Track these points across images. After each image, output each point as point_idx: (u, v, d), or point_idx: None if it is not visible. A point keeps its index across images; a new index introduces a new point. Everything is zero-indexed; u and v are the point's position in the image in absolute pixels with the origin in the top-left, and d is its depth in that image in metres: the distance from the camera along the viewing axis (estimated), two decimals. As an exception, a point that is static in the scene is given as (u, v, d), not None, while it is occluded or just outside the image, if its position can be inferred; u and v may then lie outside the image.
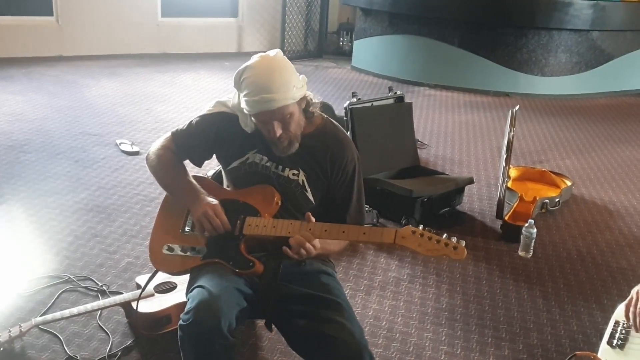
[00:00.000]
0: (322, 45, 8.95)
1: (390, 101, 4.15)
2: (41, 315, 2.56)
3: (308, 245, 1.76)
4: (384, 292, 2.94)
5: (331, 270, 2.02)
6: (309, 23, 8.74)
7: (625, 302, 1.71)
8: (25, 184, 3.87)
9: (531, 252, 3.39)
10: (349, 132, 3.83)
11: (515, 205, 3.80)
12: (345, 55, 8.74)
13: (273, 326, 1.98)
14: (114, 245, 3.21)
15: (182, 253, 1.91)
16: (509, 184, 4.11)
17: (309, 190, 1.93)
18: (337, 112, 4.84)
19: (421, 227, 1.73)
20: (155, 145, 2.04)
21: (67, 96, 5.89)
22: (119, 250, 3.15)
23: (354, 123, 3.78)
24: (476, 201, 4.08)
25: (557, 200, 3.98)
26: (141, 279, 2.62)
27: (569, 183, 4.26)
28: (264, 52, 1.88)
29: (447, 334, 2.66)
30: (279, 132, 1.79)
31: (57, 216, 3.48)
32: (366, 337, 2.51)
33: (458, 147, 5.24)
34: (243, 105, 1.80)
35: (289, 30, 8.36)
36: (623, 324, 1.80)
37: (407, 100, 4.36)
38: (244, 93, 1.77)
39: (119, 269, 2.99)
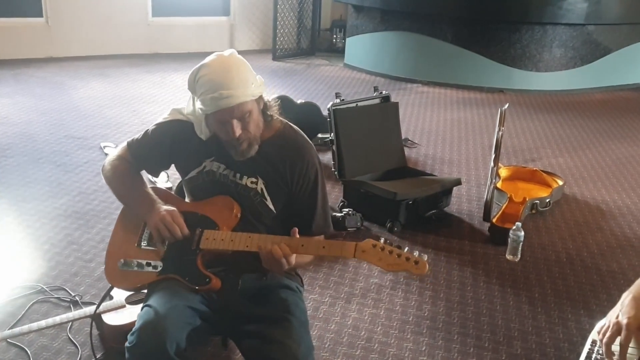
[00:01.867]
0: (314, 42, 8.86)
1: (376, 101, 4.07)
2: (10, 328, 2.50)
3: (283, 260, 1.69)
4: (364, 300, 2.86)
5: (295, 284, 1.94)
6: (301, 20, 8.65)
7: (602, 322, 1.63)
8: (4, 189, 3.81)
9: (519, 256, 3.31)
10: (332, 134, 3.75)
11: (504, 207, 3.72)
12: (338, 52, 8.65)
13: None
14: (90, 252, 3.14)
15: (137, 269, 1.83)
16: (499, 184, 4.03)
17: (268, 198, 1.85)
18: (324, 113, 4.77)
19: (382, 240, 1.66)
20: (111, 155, 1.97)
21: (54, 98, 5.82)
22: (95, 258, 3.08)
23: (337, 124, 3.70)
24: (465, 202, 4.00)
25: (547, 200, 3.90)
26: (115, 290, 2.55)
27: (560, 182, 4.18)
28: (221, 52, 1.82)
29: (428, 344, 2.58)
30: (238, 131, 1.72)
31: (34, 223, 3.41)
32: (343, 349, 2.49)
33: (449, 146, 5.15)
34: (199, 105, 1.73)
35: (281, 28, 8.27)
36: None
37: (398, 99, 4.29)
38: (201, 92, 1.70)
39: (93, 277, 2.91)
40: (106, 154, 4.42)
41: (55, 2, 7.31)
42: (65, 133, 4.88)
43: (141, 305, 1.86)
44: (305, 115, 4.64)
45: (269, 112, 1.84)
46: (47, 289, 2.80)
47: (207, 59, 1.75)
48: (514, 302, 2.94)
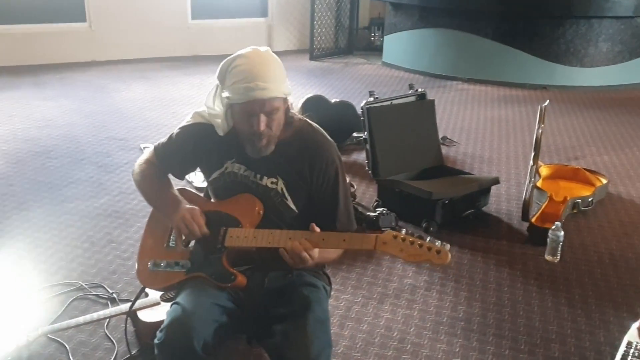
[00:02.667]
0: (352, 41, 8.83)
1: (412, 99, 4.02)
2: (50, 324, 2.57)
3: (304, 254, 1.68)
4: (398, 301, 2.84)
5: (322, 283, 1.93)
6: (339, 19, 8.64)
7: (637, 323, 1.57)
8: (48, 190, 3.92)
9: (558, 256, 3.22)
10: (365, 133, 3.73)
11: (543, 206, 3.62)
12: (377, 50, 8.60)
13: None
14: (129, 251, 3.21)
15: (166, 269, 1.86)
16: (539, 183, 3.93)
17: (289, 198, 1.85)
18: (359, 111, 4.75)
19: (404, 231, 1.63)
20: (139, 159, 2.02)
21: (97, 101, 5.96)
22: (133, 256, 3.14)
23: (370, 123, 3.68)
24: (504, 202, 3.92)
25: (590, 199, 3.79)
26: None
27: (604, 181, 4.05)
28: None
29: (462, 345, 2.53)
30: (263, 126, 1.71)
31: (75, 222, 3.50)
32: (375, 349, 2.47)
33: (489, 145, 5.06)
34: (228, 94, 1.71)
35: (319, 28, 8.27)
36: (636, 345, 1.66)
37: (438, 95, 4.26)
38: (234, 81, 1.69)
39: (131, 275, 2.97)
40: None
41: (98, 7, 7.50)
42: (107, 134, 5.00)
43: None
44: (340, 115, 4.63)
45: (290, 112, 1.83)
46: (86, 286, 2.87)
47: (243, 50, 1.75)
48: (553, 303, 2.86)
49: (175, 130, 1.97)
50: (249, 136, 1.76)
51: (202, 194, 2.10)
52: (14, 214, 3.57)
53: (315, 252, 1.70)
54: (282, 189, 1.84)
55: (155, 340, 1.69)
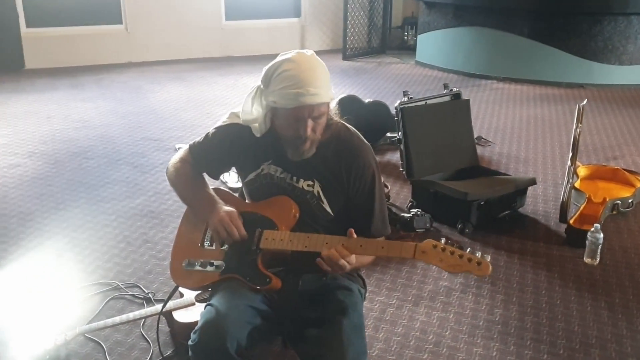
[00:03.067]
0: (385, 41, 8.79)
1: (446, 99, 3.97)
2: (87, 323, 2.61)
3: (342, 261, 1.67)
4: (433, 303, 2.80)
5: (357, 286, 1.91)
6: (372, 19, 8.60)
7: None
8: (85, 190, 3.99)
9: (598, 259, 3.14)
10: (399, 133, 3.70)
11: (582, 207, 3.54)
12: (410, 50, 8.54)
13: None
14: (164, 251, 3.24)
15: (201, 268, 1.87)
16: (577, 184, 3.84)
17: (325, 201, 1.84)
18: (393, 111, 4.72)
19: (443, 240, 1.62)
20: (174, 158, 2.02)
21: (133, 102, 6.05)
22: (168, 256, 3.10)
23: (404, 123, 3.65)
24: (541, 203, 3.85)
25: (630, 201, 3.69)
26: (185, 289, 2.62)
27: (645, 182, 3.94)
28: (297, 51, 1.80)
29: (499, 349, 2.49)
30: (309, 131, 1.72)
31: (112, 222, 3.55)
32: (410, 353, 2.44)
33: (525, 144, 4.97)
34: (273, 99, 1.71)
35: (352, 27, 8.25)
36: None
37: (472, 96, 4.18)
38: (282, 86, 1.68)
39: (166, 275, 3.00)
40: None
41: (134, 10, 7.61)
42: (142, 135, 5.07)
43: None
44: (373, 115, 4.61)
45: (331, 115, 1.82)
46: (122, 286, 2.91)
47: (289, 54, 1.73)
48: (592, 307, 2.79)
49: (212, 129, 1.97)
50: (293, 140, 1.76)
51: (236, 194, 2.10)
52: (52, 213, 3.64)
53: (353, 258, 1.69)
54: (318, 192, 1.83)
55: (189, 342, 1.69)
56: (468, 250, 1.59)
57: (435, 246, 1.60)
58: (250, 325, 1.71)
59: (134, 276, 3.00)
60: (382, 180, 3.57)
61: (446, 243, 1.61)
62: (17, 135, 5.00)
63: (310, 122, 1.72)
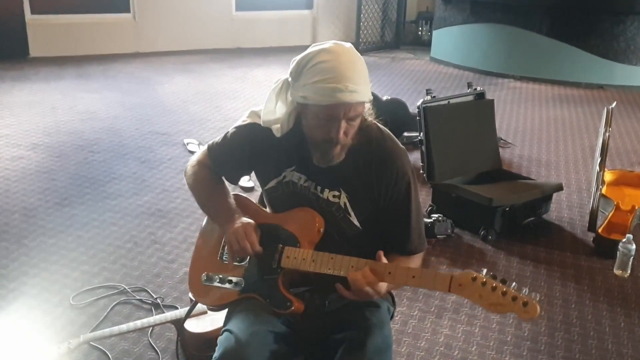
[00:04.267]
0: (399, 35, 8.61)
1: (469, 98, 3.81)
2: (92, 330, 2.47)
3: (367, 288, 1.49)
4: (457, 315, 2.65)
5: (387, 304, 1.73)
6: (386, 13, 8.42)
7: None
8: (90, 185, 3.84)
9: (629, 271, 2.99)
10: (421, 134, 3.53)
11: (610, 216, 3.38)
12: (424, 45, 8.36)
13: None
14: (173, 253, 3.09)
15: (219, 285, 1.70)
16: (603, 190, 3.68)
17: (352, 214, 1.63)
18: (411, 110, 4.56)
19: (484, 271, 1.41)
20: (192, 159, 1.83)
21: (140, 94, 5.89)
22: (177, 259, 3.03)
23: (427, 123, 3.48)
24: (565, 209, 3.69)
25: (660, 209, 3.52)
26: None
27: (674, 189, 3.78)
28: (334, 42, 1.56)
29: (529, 369, 2.34)
30: (342, 133, 1.51)
31: (118, 220, 3.40)
32: (434, 369, 2.29)
33: (546, 147, 4.81)
34: (307, 93, 1.49)
35: (365, 21, 8.07)
36: None
37: (489, 94, 3.99)
38: (317, 79, 1.46)
39: (175, 279, 2.85)
40: (189, 151, 4.40)
41: (143, -2, 7.45)
42: (150, 129, 4.91)
43: (222, 313, 1.74)
44: (391, 113, 4.43)
45: (363, 117, 1.59)
46: (129, 290, 2.76)
47: (326, 44, 1.51)
48: (626, 323, 2.64)
49: (231, 129, 1.77)
50: (321, 143, 1.56)
51: (252, 198, 1.92)
52: (56, 210, 3.49)
53: (381, 286, 1.51)
54: (344, 204, 1.63)
55: None
56: (514, 286, 1.37)
57: (474, 279, 1.39)
58: (271, 352, 1.55)
59: (142, 279, 2.85)
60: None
61: (487, 275, 1.39)
62: (21, 126, 4.85)
63: (343, 124, 1.51)
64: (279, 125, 1.62)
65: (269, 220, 1.71)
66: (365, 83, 1.49)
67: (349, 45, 1.55)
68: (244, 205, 1.76)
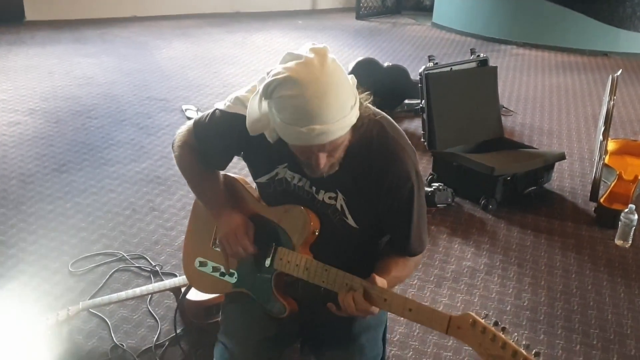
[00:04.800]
0: (400, 0, 8.45)
1: (472, 65, 3.75)
2: (91, 298, 2.46)
3: (357, 313, 1.41)
4: (456, 285, 2.64)
5: None
6: (387, -23, 8.26)
7: None
8: (88, 151, 3.80)
9: (630, 241, 2.98)
10: (423, 101, 3.48)
11: (612, 185, 3.35)
12: (425, 10, 8.22)
13: None
14: (172, 220, 3.07)
15: (213, 274, 1.67)
16: (606, 160, 3.64)
17: (349, 217, 1.52)
18: (412, 76, 4.49)
19: (483, 314, 1.31)
20: (178, 134, 1.67)
21: (138, 59, 5.80)
22: (176, 226, 3.01)
23: (429, 90, 3.43)
24: (567, 178, 3.66)
25: (662, 179, 3.49)
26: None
27: (678, 158, 3.74)
28: (310, 50, 1.31)
29: (528, 338, 2.34)
30: (323, 163, 1.37)
31: (117, 187, 3.38)
32: (434, 339, 2.29)
33: (548, 115, 4.75)
34: (277, 125, 1.34)
35: (366, -15, 7.92)
36: None
37: (492, 61, 3.93)
38: (282, 117, 1.31)
39: (174, 247, 2.84)
40: (187, 117, 4.35)
41: (140, -40, 7.28)
42: (148, 94, 4.85)
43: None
44: (392, 80, 4.38)
45: (360, 115, 1.39)
46: (128, 257, 2.75)
47: (293, 67, 1.27)
48: (626, 294, 2.64)
49: (218, 110, 1.57)
50: (305, 165, 1.44)
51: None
52: (54, 176, 3.46)
53: (373, 309, 1.41)
54: (341, 206, 1.52)
55: None
56: (514, 337, 1.25)
57: (474, 324, 1.27)
58: (267, 358, 1.56)
59: (140, 247, 2.84)
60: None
61: (488, 322, 1.28)
62: (17, 91, 4.78)
63: (322, 155, 1.36)
64: (268, 132, 1.45)
65: (263, 212, 1.61)
66: (337, 117, 1.29)
67: (323, 58, 1.29)
68: (235, 192, 1.66)
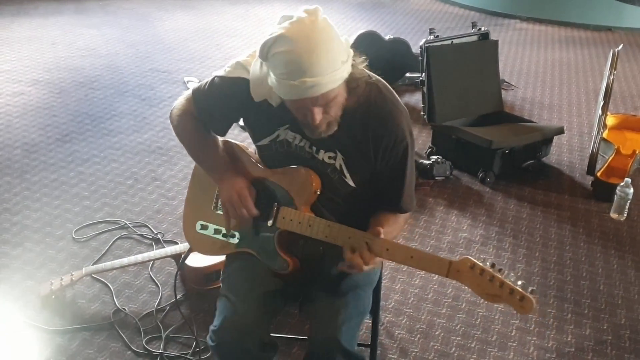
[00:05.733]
0: (405, -27, 8.38)
1: (473, 38, 3.75)
2: (94, 263, 2.52)
3: (364, 267, 1.47)
4: (452, 255, 2.70)
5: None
6: (392, -51, 8.16)
7: None
8: (91, 122, 3.84)
9: (625, 214, 3.02)
10: (423, 74, 3.50)
11: (610, 159, 3.38)
12: (430, -16, 8.14)
13: None
14: (173, 190, 3.12)
15: (215, 236, 1.71)
16: (605, 134, 3.66)
17: (347, 175, 1.59)
18: (414, 50, 4.49)
19: (484, 260, 1.40)
20: (177, 104, 1.70)
21: (140, 30, 5.80)
22: (177, 195, 3.06)
23: (429, 63, 3.44)
24: (566, 152, 3.69)
25: (660, 154, 3.52)
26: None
27: (677, 134, 3.76)
28: (303, 11, 1.38)
29: (521, 307, 2.39)
30: (318, 118, 1.44)
31: (119, 157, 3.42)
32: (428, 306, 2.35)
33: (549, 90, 4.76)
34: (273, 83, 1.42)
35: (371, -42, 7.84)
36: None
37: (493, 36, 3.93)
38: (277, 72, 1.39)
39: (175, 215, 2.89)
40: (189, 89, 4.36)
41: None
42: (150, 66, 4.86)
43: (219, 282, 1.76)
44: (394, 53, 4.38)
45: (353, 76, 1.46)
46: (130, 225, 2.80)
47: (286, 26, 1.36)
48: (619, 265, 2.69)
49: (217, 76, 1.61)
50: (303, 124, 1.51)
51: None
52: (58, 146, 3.51)
53: (376, 261, 1.49)
54: (340, 165, 1.58)
55: (209, 341, 1.57)
56: (511, 277, 1.35)
57: (472, 267, 1.38)
58: (270, 314, 1.61)
59: (142, 215, 2.90)
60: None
61: (486, 264, 1.38)
62: (21, 62, 4.80)
63: (317, 110, 1.42)
64: (272, 93, 1.50)
65: (264, 174, 1.66)
66: (329, 68, 1.36)
67: (313, 17, 1.37)
68: (235, 157, 1.70)
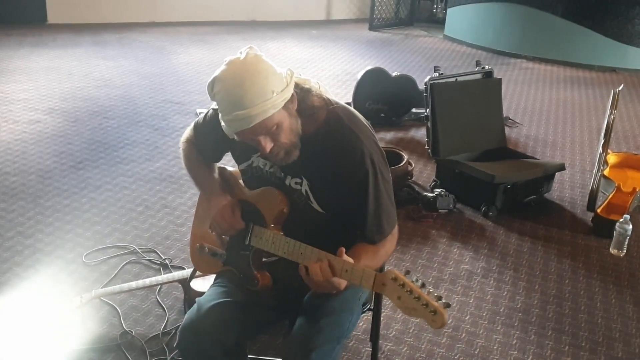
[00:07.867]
0: (414, 12, 8.59)
1: (478, 76, 3.86)
2: (103, 287, 2.59)
3: (325, 283, 1.50)
4: (453, 287, 2.74)
5: (358, 291, 1.77)
6: (401, -11, 8.39)
7: None
8: (104, 150, 3.95)
9: (624, 250, 3.06)
10: (427, 110, 3.60)
11: (610, 196, 3.44)
12: (438, 23, 8.34)
13: None
14: (182, 217, 3.20)
15: (209, 256, 1.82)
16: (606, 172, 3.72)
17: (314, 201, 1.64)
18: (420, 87, 4.60)
19: (405, 270, 1.41)
20: (185, 133, 1.90)
21: (155, 63, 5.97)
22: (186, 222, 3.14)
23: (433, 99, 3.54)
24: (567, 189, 3.75)
25: (661, 192, 3.57)
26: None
27: (677, 173, 3.82)
28: (242, 53, 1.53)
29: (519, 338, 2.43)
30: (268, 146, 1.52)
31: (131, 185, 3.52)
32: (428, 336, 2.39)
33: (553, 128, 4.84)
34: (222, 121, 1.54)
35: (380, -3, 8.07)
36: None
37: (499, 74, 4.04)
38: (220, 110, 1.52)
39: (183, 242, 2.97)
40: (201, 120, 4.49)
41: (160, -32, 7.47)
42: (163, 97, 5.00)
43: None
44: (400, 89, 4.49)
45: (309, 104, 1.56)
46: (139, 250, 2.88)
47: (220, 69, 1.51)
48: (617, 300, 2.72)
49: (211, 109, 1.78)
50: (261, 153, 1.59)
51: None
52: (71, 172, 3.61)
53: (341, 282, 1.50)
54: (306, 191, 1.64)
55: (175, 344, 1.67)
56: (429, 290, 1.36)
57: (395, 279, 1.37)
58: (239, 323, 1.64)
59: (152, 241, 2.97)
60: (406, 158, 3.48)
61: (408, 277, 1.37)
62: (38, 91, 4.95)
63: (263, 139, 1.51)
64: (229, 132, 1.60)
65: (246, 197, 1.76)
66: (256, 101, 1.44)
67: (244, 55, 1.50)
68: (226, 181, 1.83)
